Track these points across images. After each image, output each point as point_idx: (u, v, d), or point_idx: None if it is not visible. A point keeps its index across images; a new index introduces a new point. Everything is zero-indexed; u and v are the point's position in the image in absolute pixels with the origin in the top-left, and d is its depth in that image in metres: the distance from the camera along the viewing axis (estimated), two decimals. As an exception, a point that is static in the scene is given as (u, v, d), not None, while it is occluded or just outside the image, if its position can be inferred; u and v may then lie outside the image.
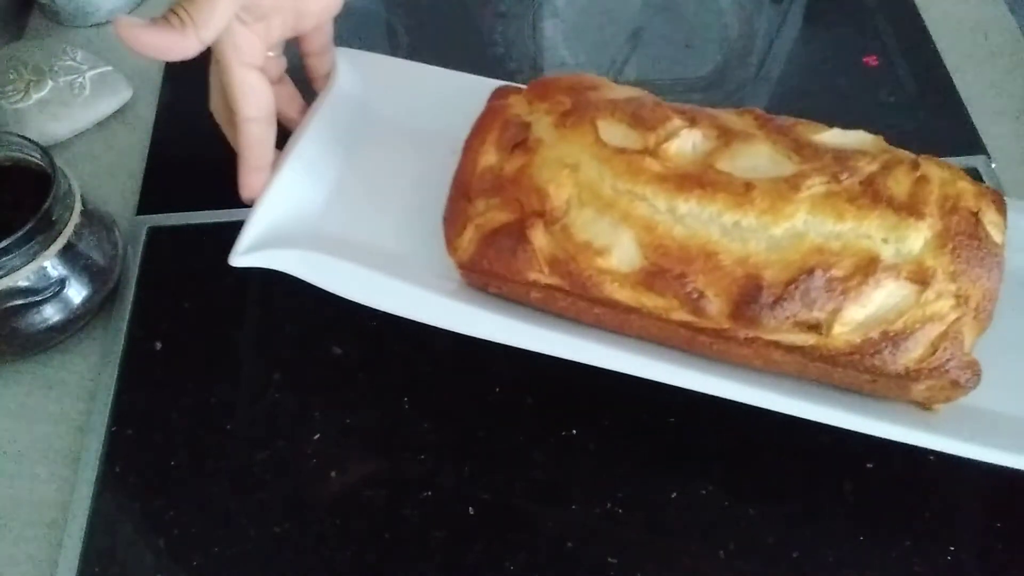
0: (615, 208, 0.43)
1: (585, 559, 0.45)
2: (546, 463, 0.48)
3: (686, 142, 0.44)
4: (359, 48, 0.55)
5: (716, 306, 0.42)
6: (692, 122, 0.45)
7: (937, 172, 0.44)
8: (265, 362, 0.51)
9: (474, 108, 0.49)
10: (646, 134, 0.44)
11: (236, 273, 0.46)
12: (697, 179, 0.42)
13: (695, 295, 0.42)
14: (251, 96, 0.46)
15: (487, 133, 0.47)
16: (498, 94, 0.50)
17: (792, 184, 0.42)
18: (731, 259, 0.42)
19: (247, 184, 0.48)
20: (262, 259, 0.46)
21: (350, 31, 0.69)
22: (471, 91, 0.50)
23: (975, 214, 0.42)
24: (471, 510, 0.46)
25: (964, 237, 0.42)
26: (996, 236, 0.43)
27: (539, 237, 0.44)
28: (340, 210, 0.51)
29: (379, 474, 0.48)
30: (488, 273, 0.46)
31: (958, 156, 0.59)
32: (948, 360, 0.41)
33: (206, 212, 0.57)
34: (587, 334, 0.46)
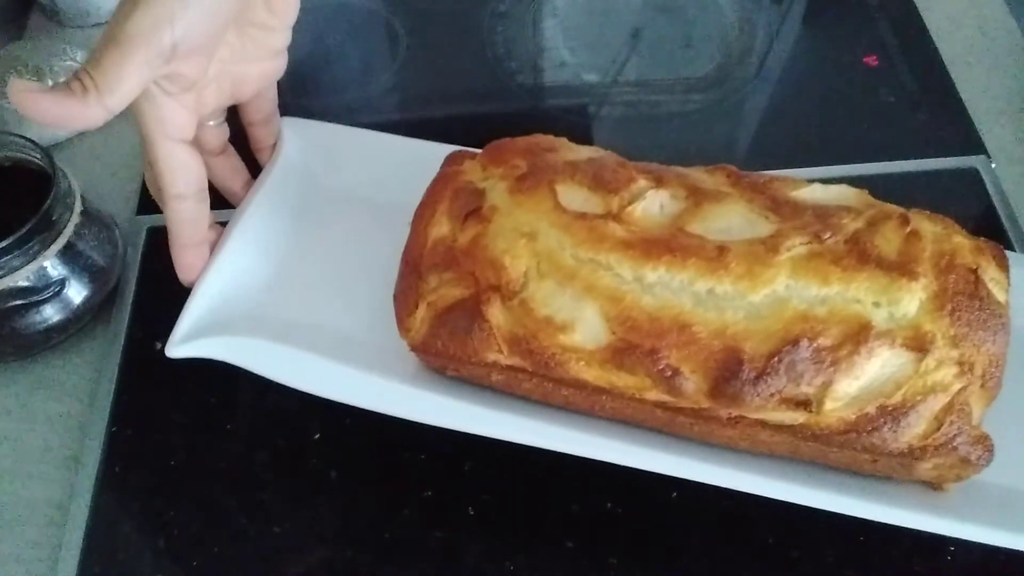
0: (577, 279, 0.39)
1: (585, 559, 0.45)
2: (546, 463, 0.47)
3: (653, 204, 0.41)
4: (359, 50, 0.54)
5: (693, 384, 0.38)
6: (658, 183, 0.42)
7: (929, 227, 0.40)
8: (265, 362, 0.51)
9: (429, 176, 0.47)
10: (608, 197, 0.41)
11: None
12: (665, 244, 0.39)
13: (669, 372, 0.38)
14: (179, 172, 0.42)
15: (438, 202, 0.44)
16: (451, 160, 0.47)
17: (770, 246, 0.39)
18: (707, 331, 0.38)
19: (183, 265, 0.45)
20: (201, 348, 0.44)
21: (350, 31, 0.69)
22: (426, 158, 0.47)
23: (974, 271, 0.39)
24: (471, 510, 0.46)
25: (963, 297, 0.38)
26: (999, 295, 0.39)
27: (496, 314, 0.40)
28: (288, 291, 0.48)
29: (379, 474, 0.48)
30: (443, 355, 0.42)
31: (958, 156, 0.60)
32: (955, 435, 0.38)
33: (206, 212, 0.57)
34: (557, 418, 0.43)
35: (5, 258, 0.47)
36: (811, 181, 0.43)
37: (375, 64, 0.67)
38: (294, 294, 0.48)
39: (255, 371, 0.44)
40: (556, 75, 0.66)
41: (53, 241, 0.49)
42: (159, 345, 0.52)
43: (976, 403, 0.39)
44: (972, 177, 0.59)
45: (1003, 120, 0.62)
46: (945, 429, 0.38)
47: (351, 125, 0.54)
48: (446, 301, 0.42)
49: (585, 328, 0.40)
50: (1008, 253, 0.42)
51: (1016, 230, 0.56)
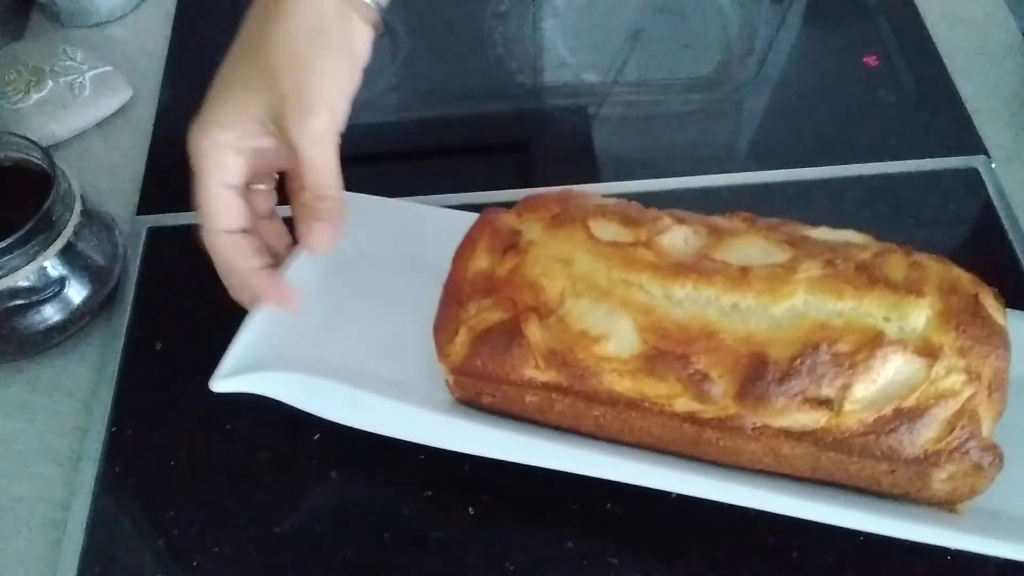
0: (611, 296, 0.42)
1: (585, 559, 0.45)
2: (546, 463, 0.48)
3: (677, 237, 0.44)
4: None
5: (721, 387, 0.41)
6: (681, 222, 0.45)
7: (931, 262, 0.43)
8: (265, 362, 0.51)
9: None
10: (637, 230, 0.44)
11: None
12: (692, 266, 0.42)
13: (698, 377, 0.41)
14: (222, 208, 0.44)
15: (477, 241, 0.47)
16: (487, 211, 0.49)
17: (788, 268, 0.42)
18: (733, 338, 0.41)
19: (232, 287, 0.46)
20: (245, 383, 0.45)
21: (350, 31, 0.69)
22: (461, 225, 0.49)
23: (975, 296, 0.42)
24: (471, 510, 0.46)
25: (967, 315, 0.41)
26: (998, 318, 0.42)
27: (534, 331, 0.43)
28: (328, 337, 0.49)
29: (379, 473, 0.48)
30: (481, 375, 0.44)
31: (958, 156, 0.60)
32: (967, 440, 0.40)
33: (206, 212, 0.57)
34: (588, 445, 0.44)
35: (5, 258, 0.47)
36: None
37: (375, 64, 0.67)
38: (334, 340, 0.49)
39: (298, 406, 0.45)
40: (556, 75, 0.66)
41: (53, 241, 0.49)
42: (159, 345, 0.52)
43: (985, 414, 0.41)
44: (972, 177, 0.59)
45: (1003, 120, 0.62)
46: (957, 433, 0.40)
47: (351, 124, 0.54)
48: (485, 324, 0.44)
49: (619, 339, 0.42)
50: (1008, 311, 0.44)
51: (1016, 230, 0.56)
